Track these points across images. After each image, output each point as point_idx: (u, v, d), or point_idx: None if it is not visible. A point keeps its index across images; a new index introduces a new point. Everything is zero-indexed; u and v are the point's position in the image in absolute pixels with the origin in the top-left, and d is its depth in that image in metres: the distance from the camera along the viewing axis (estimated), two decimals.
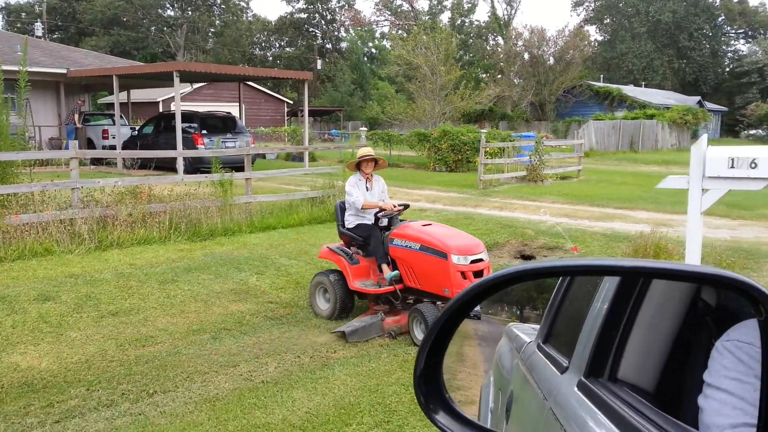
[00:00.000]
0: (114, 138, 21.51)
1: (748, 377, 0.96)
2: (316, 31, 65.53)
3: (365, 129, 12.92)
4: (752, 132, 40.30)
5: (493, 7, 64.60)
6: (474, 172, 18.39)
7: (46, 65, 19.40)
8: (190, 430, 3.72)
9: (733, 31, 61.82)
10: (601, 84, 44.43)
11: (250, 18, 63.13)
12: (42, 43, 24.50)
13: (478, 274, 5.22)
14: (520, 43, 43.07)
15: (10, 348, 4.81)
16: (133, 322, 5.52)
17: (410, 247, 5.47)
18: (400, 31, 65.62)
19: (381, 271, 5.80)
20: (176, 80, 15.33)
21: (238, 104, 37.67)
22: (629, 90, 43.41)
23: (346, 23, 64.00)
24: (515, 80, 42.85)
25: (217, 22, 59.04)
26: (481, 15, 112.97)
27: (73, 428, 3.79)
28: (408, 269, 5.56)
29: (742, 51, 58.95)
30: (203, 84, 33.07)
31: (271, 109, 42.99)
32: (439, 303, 5.38)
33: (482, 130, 18.04)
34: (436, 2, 65.55)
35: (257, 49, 65.15)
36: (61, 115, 20.44)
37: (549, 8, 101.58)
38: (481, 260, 5.28)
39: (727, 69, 57.70)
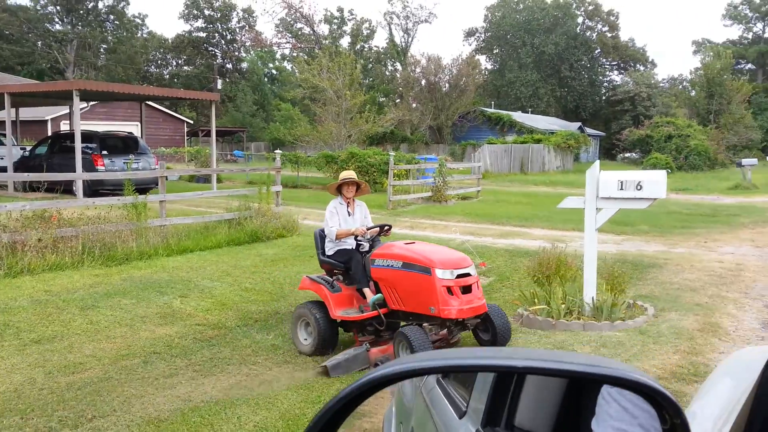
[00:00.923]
0: (3, 159, 20.16)
1: (632, 426, 0.95)
2: (216, 50, 64.44)
3: (279, 152, 13.04)
4: (627, 155, 44.15)
5: (391, 34, 66.83)
6: (381, 193, 18.99)
7: None
8: None
9: (608, 63, 67.74)
10: (492, 110, 47.02)
11: (145, 35, 61.02)
12: None
13: (467, 289, 4.97)
14: (418, 70, 44.75)
15: None
16: (58, 350, 5.40)
17: (392, 266, 5.21)
18: (301, 54, 66.14)
19: (363, 296, 5.55)
20: (76, 99, 14.74)
21: (137, 124, 36.30)
22: (518, 116, 46.27)
23: (247, 44, 63.49)
24: (414, 105, 44.39)
25: (110, 38, 56.55)
26: (379, 41, 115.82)
27: None
28: (391, 290, 5.28)
29: (616, 81, 64.67)
30: (96, 102, 31.61)
31: (170, 128, 41.68)
32: (426, 325, 5.11)
33: (391, 153, 18.69)
34: (336, 27, 66.65)
35: (153, 67, 63.00)
36: None
37: (443, 38, 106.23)
38: (468, 275, 5.01)
39: (604, 97, 62.92)
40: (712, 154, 37.00)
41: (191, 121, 46.76)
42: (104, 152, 17.08)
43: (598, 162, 6.04)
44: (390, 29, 67.01)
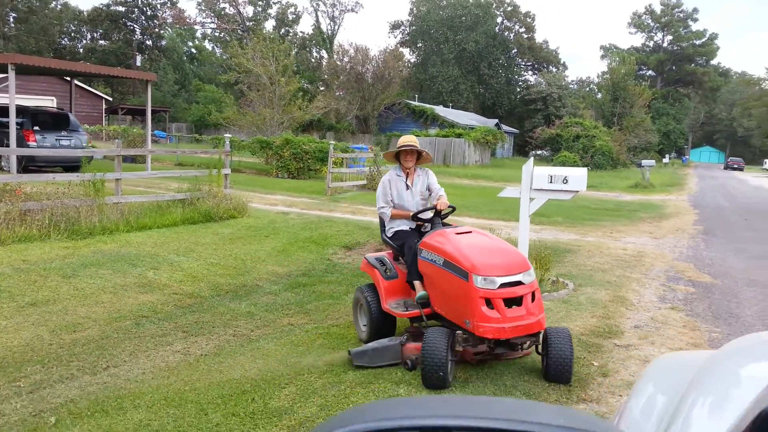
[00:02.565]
0: None
1: None
2: (135, 25, 62.01)
3: (229, 136, 13.45)
4: (538, 152, 46.96)
5: (317, 21, 66.88)
6: (316, 180, 19.74)
7: None
8: (165, 388, 4.45)
9: (524, 63, 71.14)
10: (416, 103, 48.47)
11: (59, 6, 57.75)
12: None
13: (516, 301, 4.03)
14: (345, 59, 45.35)
15: None
16: (54, 312, 5.86)
17: (435, 261, 4.45)
18: (224, 35, 64.94)
19: (414, 289, 4.80)
20: (11, 73, 14.38)
21: (52, 98, 34.70)
22: (440, 110, 47.98)
23: (169, 20, 61.51)
24: (338, 93, 45.02)
25: (20, 6, 53.13)
26: (305, 27, 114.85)
27: (49, 396, 4.29)
28: (433, 289, 4.57)
29: (530, 81, 68.07)
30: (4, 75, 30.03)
31: (87, 105, 39.99)
32: (459, 332, 4.25)
33: (331, 142, 19.40)
34: (261, 9, 65.83)
35: (66, 39, 59.78)
36: None
37: (369, 28, 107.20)
38: (519, 283, 4.05)
39: (518, 96, 66.13)
40: (615, 154, 40.19)
41: (110, 98, 45.05)
42: (36, 128, 16.70)
43: (532, 159, 7.13)
44: (317, 15, 67.31)
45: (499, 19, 67.77)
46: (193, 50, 65.87)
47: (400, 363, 4.52)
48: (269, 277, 8.04)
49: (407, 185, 5.29)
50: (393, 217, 5.23)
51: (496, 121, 51.11)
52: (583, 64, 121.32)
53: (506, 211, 14.02)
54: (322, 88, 49.48)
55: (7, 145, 14.81)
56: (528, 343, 4.19)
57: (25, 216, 8.06)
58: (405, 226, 5.23)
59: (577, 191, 6.72)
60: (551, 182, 6.76)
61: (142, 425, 3.76)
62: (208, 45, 67.77)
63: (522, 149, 54.29)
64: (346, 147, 22.52)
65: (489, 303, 3.98)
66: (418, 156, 5.36)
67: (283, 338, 5.78)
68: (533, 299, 4.11)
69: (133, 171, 15.67)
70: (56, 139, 16.94)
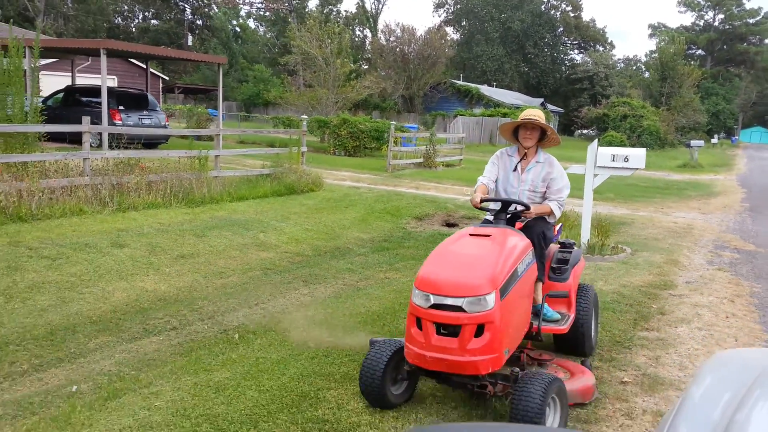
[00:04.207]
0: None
1: None
2: (186, 5, 63.80)
3: (305, 117, 14.67)
4: (584, 132, 47.10)
5: (362, 0, 67.49)
6: (372, 158, 20.89)
7: None
8: (311, 317, 5.68)
9: (570, 42, 70.48)
10: (462, 82, 48.97)
11: None
12: None
13: (447, 329, 3.29)
14: (392, 38, 46.08)
15: (131, 278, 6.34)
16: (200, 263, 7.18)
17: None
18: (268, 13, 66.28)
19: None
20: (103, 58, 15.85)
21: (113, 77, 36.58)
22: (485, 89, 48.39)
23: (218, 1, 63.10)
24: (383, 73, 45.90)
25: None
26: (348, 5, 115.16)
27: (224, 321, 5.56)
28: None
29: (576, 60, 67.54)
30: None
31: (144, 84, 41.83)
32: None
33: (392, 122, 20.50)
34: None
35: (119, 19, 62.00)
36: None
37: (411, 7, 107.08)
38: (459, 309, 3.23)
39: (564, 75, 65.75)
40: (663, 134, 40.17)
41: (167, 78, 46.89)
42: (121, 107, 18.23)
43: (597, 140, 8.09)
44: None
45: None
46: (237, 29, 67.40)
47: None
48: (356, 242, 9.24)
49: (518, 167, 4.34)
50: (473, 204, 4.24)
51: (542, 100, 51.27)
52: (631, 42, 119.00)
53: None
54: (365, 67, 50.40)
55: (96, 123, 16.36)
56: (499, 384, 3.42)
57: (150, 186, 9.43)
58: (486, 214, 4.29)
59: (637, 169, 7.68)
60: (613, 161, 7.74)
61: (308, 338, 4.98)
62: (251, 23, 69.31)
63: (567, 129, 54.32)
64: (401, 127, 23.55)
65: (418, 323, 3.36)
66: (542, 136, 4.34)
67: (385, 287, 6.96)
68: (479, 334, 3.20)
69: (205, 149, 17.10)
70: (139, 118, 18.46)
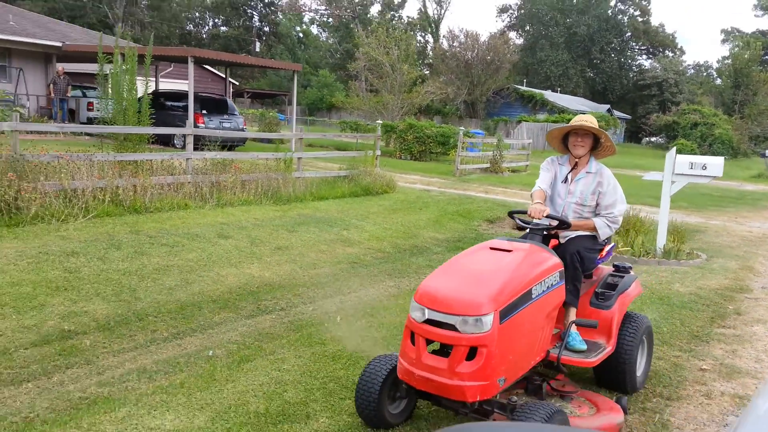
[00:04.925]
0: (99, 111, 22.54)
1: None
2: (254, 12, 66.11)
3: (380, 122, 15.31)
4: (652, 139, 46.01)
5: (423, 5, 68.13)
6: (438, 162, 21.36)
7: (39, 37, 20.23)
8: (406, 304, 6.21)
9: (638, 47, 68.84)
10: (525, 88, 48.74)
11: None
12: (26, 14, 24.76)
13: (444, 349, 3.19)
14: (456, 44, 46.39)
15: (239, 265, 7.05)
16: (295, 254, 7.84)
17: None
18: (331, 20, 67.79)
19: None
20: (190, 65, 17.01)
21: (185, 82, 38.41)
22: (549, 95, 48.01)
23: (284, 8, 65.09)
24: (442, 78, 46.21)
25: None
26: (410, 11, 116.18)
27: (325, 306, 6.15)
28: None
29: (645, 66, 65.92)
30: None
31: (217, 89, 43.74)
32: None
33: (461, 128, 20.94)
34: None
35: (191, 25, 64.87)
36: (53, 86, 21.27)
37: (475, 12, 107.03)
38: (452, 328, 3.05)
39: (631, 81, 64.30)
40: (735, 143, 38.86)
41: (236, 82, 48.86)
42: (204, 111, 19.42)
43: (675, 148, 8.31)
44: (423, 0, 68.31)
45: (612, 2, 65.98)
46: (301, 35, 69.27)
47: None
48: (432, 241, 9.73)
49: (568, 177, 4.05)
50: (531, 214, 3.87)
51: (608, 106, 50.45)
52: (702, 47, 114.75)
53: (627, 195, 14.94)
54: (426, 72, 50.88)
55: (179, 126, 17.53)
56: (495, 413, 3.27)
57: (243, 185, 10.23)
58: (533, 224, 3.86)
59: (715, 177, 7.87)
60: (691, 168, 7.95)
61: (404, 321, 5.50)
62: (314, 29, 71.07)
63: (634, 136, 53.17)
64: (467, 132, 23.92)
65: (412, 337, 3.23)
66: (595, 144, 4.01)
67: None
68: (470, 358, 3.01)
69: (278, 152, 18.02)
70: (219, 122, 19.59)
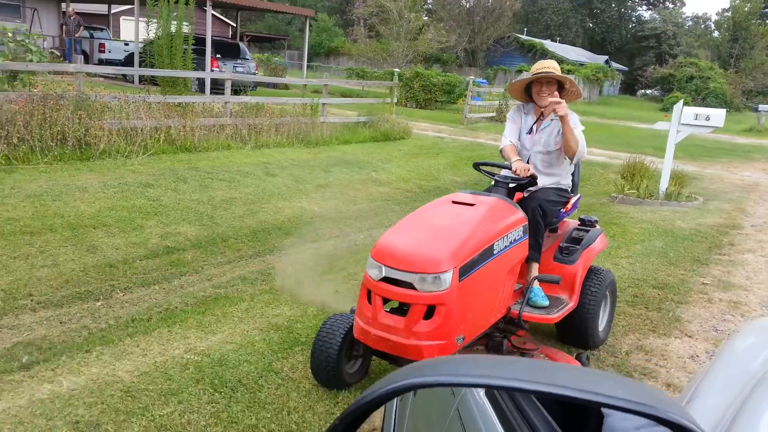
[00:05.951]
0: (111, 52, 22.86)
1: None
2: None
3: (398, 70, 15.90)
4: (648, 92, 46.51)
5: None
6: (444, 111, 22.01)
7: None
8: None
9: None
10: (526, 37, 48.66)
11: None
12: None
13: (401, 308, 3.05)
14: None
15: (291, 199, 7.89)
16: (335, 192, 8.67)
17: None
18: None
19: None
20: (209, 9, 17.34)
21: (187, 24, 38.07)
22: (549, 45, 48.02)
23: None
24: (446, 25, 46.03)
25: None
26: None
27: (377, 236, 7.03)
28: None
29: (644, 17, 65.63)
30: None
31: (217, 32, 43.45)
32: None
33: (470, 77, 21.51)
34: None
35: None
36: (65, 27, 21.46)
37: None
38: (409, 286, 2.89)
39: (630, 32, 64.13)
40: (729, 97, 39.51)
41: (234, 24, 48.38)
42: (218, 56, 19.79)
43: (682, 101, 9.11)
44: None
45: None
46: None
47: None
48: (453, 184, 10.57)
49: (533, 128, 3.86)
50: (502, 154, 3.90)
51: (606, 57, 50.59)
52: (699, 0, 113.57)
53: (629, 144, 15.86)
54: (425, 18, 50.59)
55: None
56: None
57: (277, 128, 10.95)
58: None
59: (716, 127, 8.70)
60: (696, 119, 8.76)
61: None
62: None
63: (630, 88, 53.57)
64: (473, 81, 24.46)
65: (368, 296, 3.07)
66: (560, 89, 3.75)
67: None
68: (428, 317, 2.90)
69: (281, 96, 18.56)
70: (233, 66, 20.00)
